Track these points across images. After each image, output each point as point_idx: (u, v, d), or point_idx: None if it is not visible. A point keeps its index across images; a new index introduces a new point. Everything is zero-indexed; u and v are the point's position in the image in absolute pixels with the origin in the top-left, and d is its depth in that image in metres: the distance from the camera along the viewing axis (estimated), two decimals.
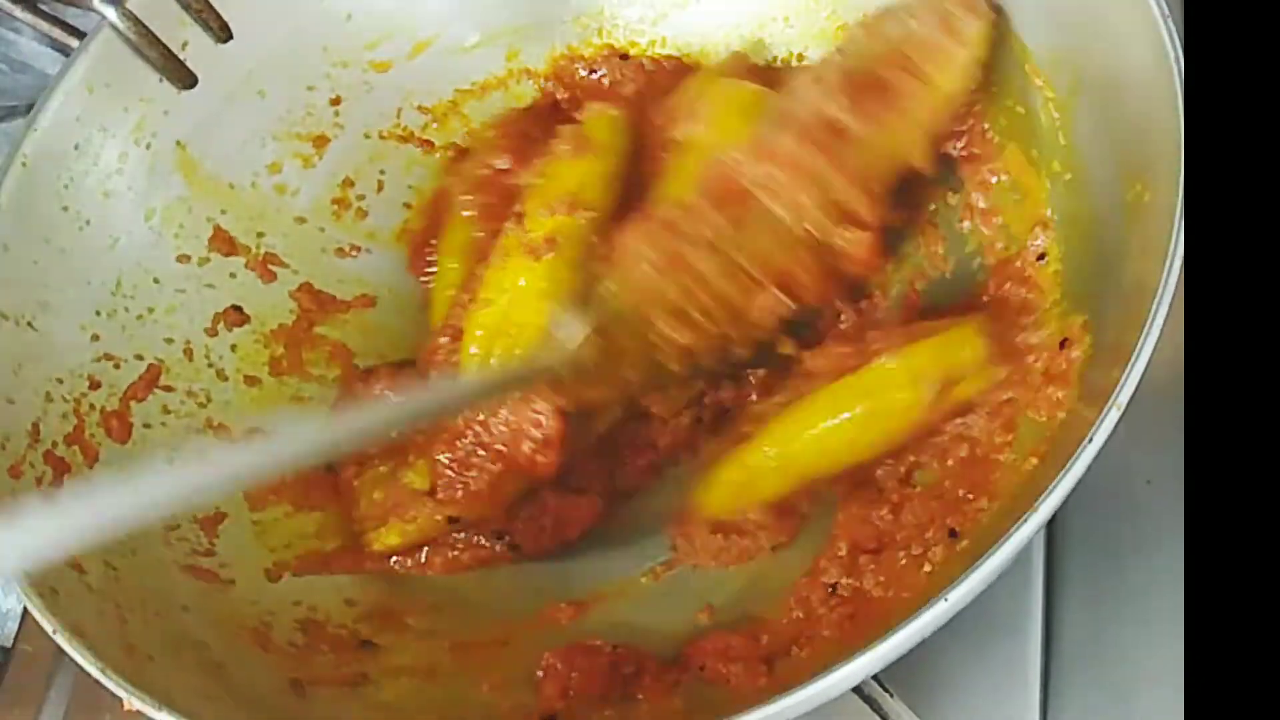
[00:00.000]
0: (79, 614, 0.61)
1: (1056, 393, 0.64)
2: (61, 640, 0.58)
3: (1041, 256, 0.70)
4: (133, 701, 0.56)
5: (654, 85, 0.89)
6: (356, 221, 0.90)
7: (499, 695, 0.70)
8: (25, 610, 0.60)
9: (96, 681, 0.58)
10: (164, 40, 0.78)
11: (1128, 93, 0.64)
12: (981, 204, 0.78)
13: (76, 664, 0.58)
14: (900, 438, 0.69)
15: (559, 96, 0.93)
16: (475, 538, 0.78)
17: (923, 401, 0.67)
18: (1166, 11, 0.61)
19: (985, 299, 0.75)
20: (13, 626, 0.84)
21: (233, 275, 0.84)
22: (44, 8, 0.81)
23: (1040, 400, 0.66)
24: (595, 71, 0.92)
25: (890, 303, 0.81)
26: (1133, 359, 0.53)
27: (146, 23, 0.77)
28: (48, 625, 0.59)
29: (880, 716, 0.69)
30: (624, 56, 0.92)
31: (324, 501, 0.80)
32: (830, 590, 0.65)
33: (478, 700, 0.69)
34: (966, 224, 0.79)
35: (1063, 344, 0.66)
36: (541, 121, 0.89)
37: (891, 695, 0.69)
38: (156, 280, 0.80)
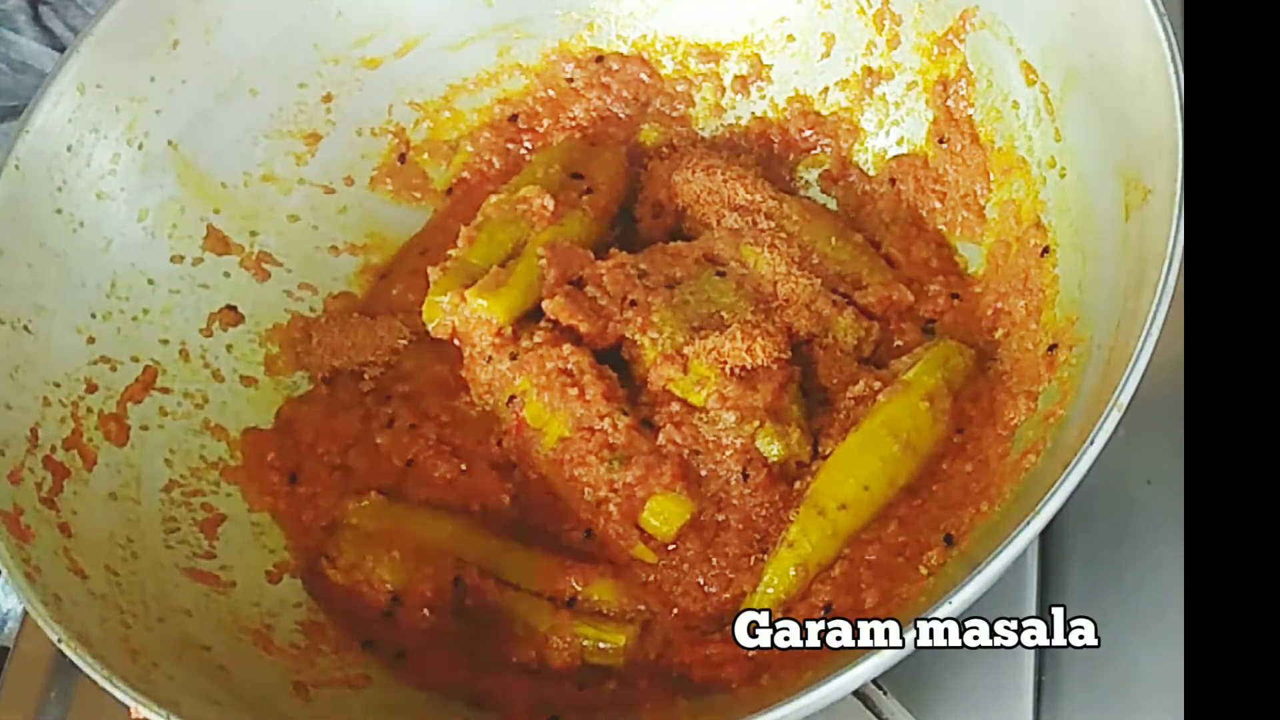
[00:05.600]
0: (83, 621, 0.62)
1: (1049, 389, 0.65)
2: (67, 650, 0.58)
3: (1045, 251, 0.71)
4: (140, 709, 0.56)
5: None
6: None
7: None
8: (25, 610, 0.60)
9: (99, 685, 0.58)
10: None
11: (1123, 90, 0.64)
12: (974, 201, 0.79)
13: (80, 668, 0.58)
14: (926, 463, 0.69)
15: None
16: None
17: (941, 415, 0.69)
18: (1162, 9, 0.61)
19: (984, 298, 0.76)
20: (13, 626, 0.84)
21: (227, 275, 0.84)
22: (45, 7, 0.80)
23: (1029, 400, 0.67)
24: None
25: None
26: (1133, 359, 0.53)
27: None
28: (52, 634, 0.59)
29: (875, 715, 0.69)
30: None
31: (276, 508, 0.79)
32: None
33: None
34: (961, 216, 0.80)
35: (1051, 348, 0.67)
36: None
37: (885, 693, 0.69)
38: (151, 281, 0.80)
